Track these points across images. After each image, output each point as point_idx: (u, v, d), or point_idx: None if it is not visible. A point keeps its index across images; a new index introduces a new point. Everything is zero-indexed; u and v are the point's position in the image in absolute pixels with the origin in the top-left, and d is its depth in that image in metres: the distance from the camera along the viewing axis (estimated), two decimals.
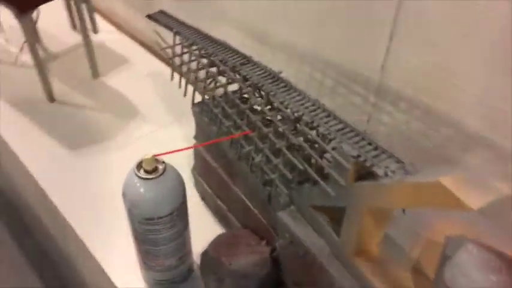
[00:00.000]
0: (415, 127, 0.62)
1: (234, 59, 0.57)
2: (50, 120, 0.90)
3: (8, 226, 1.25)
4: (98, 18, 1.16)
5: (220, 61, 0.57)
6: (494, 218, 0.48)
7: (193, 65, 0.62)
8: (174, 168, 0.53)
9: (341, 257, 0.46)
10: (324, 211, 0.48)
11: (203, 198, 0.72)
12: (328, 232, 0.47)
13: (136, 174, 0.51)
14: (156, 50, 1.05)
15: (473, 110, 0.54)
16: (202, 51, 0.61)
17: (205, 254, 0.59)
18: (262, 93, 0.52)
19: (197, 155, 0.68)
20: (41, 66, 0.88)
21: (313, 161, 0.47)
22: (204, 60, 0.60)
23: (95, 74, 1.00)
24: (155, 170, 0.51)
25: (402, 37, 0.57)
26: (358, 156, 0.40)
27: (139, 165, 0.51)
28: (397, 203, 0.37)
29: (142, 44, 1.12)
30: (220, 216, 0.68)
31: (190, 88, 0.65)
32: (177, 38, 0.65)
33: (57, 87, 0.96)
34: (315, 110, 0.47)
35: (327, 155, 0.45)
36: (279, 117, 0.50)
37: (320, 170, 0.46)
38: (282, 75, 0.53)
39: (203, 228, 0.67)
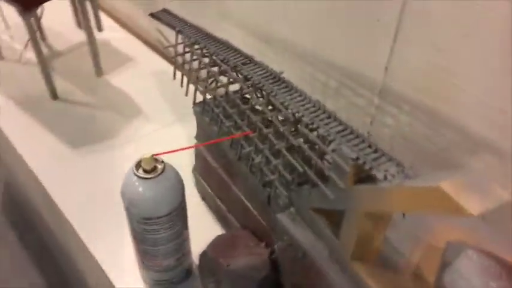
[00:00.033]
0: (418, 130, 0.61)
1: (235, 58, 0.56)
2: (53, 117, 0.90)
3: (11, 221, 1.25)
4: (103, 16, 1.16)
5: (222, 60, 0.57)
6: (496, 223, 0.47)
7: (195, 64, 0.62)
8: (173, 168, 0.53)
9: (340, 260, 0.45)
10: (323, 214, 0.48)
11: (204, 199, 0.72)
12: (327, 235, 0.46)
13: (135, 174, 0.50)
14: (160, 48, 1.05)
15: (478, 113, 0.53)
16: (204, 51, 0.60)
17: (203, 255, 0.59)
18: (263, 93, 0.52)
19: (198, 155, 0.67)
20: (44, 63, 0.88)
21: (313, 162, 0.46)
22: (206, 60, 0.60)
23: (99, 72, 1.00)
24: (154, 169, 0.51)
25: (406, 38, 0.57)
26: (358, 158, 0.39)
27: (138, 165, 0.51)
28: (396, 207, 0.36)
29: (147, 42, 1.12)
30: (220, 217, 0.68)
31: (192, 87, 0.64)
32: (180, 36, 0.65)
33: (61, 84, 0.96)
34: (315, 111, 0.46)
35: (328, 157, 0.44)
36: (279, 117, 0.50)
37: (320, 172, 0.45)
38: (283, 75, 0.53)
39: (203, 229, 0.66)
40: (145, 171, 0.50)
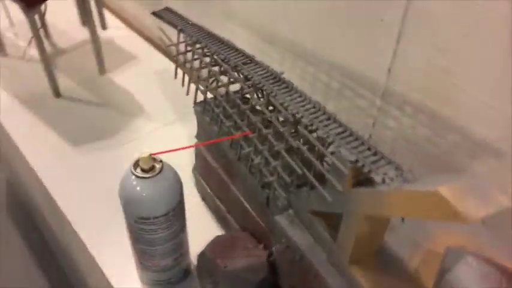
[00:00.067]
0: (421, 132, 0.60)
1: (236, 58, 0.56)
2: (55, 115, 0.90)
3: (14, 220, 1.25)
4: (109, 16, 1.16)
5: (223, 60, 0.56)
6: (497, 228, 0.46)
7: (196, 63, 0.61)
8: (172, 168, 0.53)
9: (337, 264, 0.45)
10: (322, 216, 0.47)
11: (204, 199, 0.71)
12: (325, 238, 0.46)
13: (132, 173, 0.50)
14: (163, 47, 1.05)
15: (481, 116, 0.52)
16: (205, 50, 0.60)
17: (201, 256, 0.58)
18: (264, 93, 0.51)
19: (198, 155, 0.67)
20: (47, 61, 0.88)
21: (312, 164, 0.46)
22: (207, 59, 0.60)
23: (102, 70, 1.00)
24: (152, 168, 0.50)
25: (410, 39, 0.56)
26: (356, 161, 0.38)
27: (136, 164, 0.50)
28: (394, 211, 0.35)
29: (151, 41, 1.12)
30: (219, 217, 0.67)
31: (193, 87, 0.64)
32: (181, 35, 0.64)
33: (64, 82, 0.96)
34: (315, 113, 0.46)
35: (327, 159, 0.44)
36: (279, 118, 0.49)
37: (319, 174, 0.45)
38: (284, 76, 0.52)
39: (203, 229, 0.66)
40: (143, 170, 0.50)
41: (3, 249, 1.17)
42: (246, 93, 0.54)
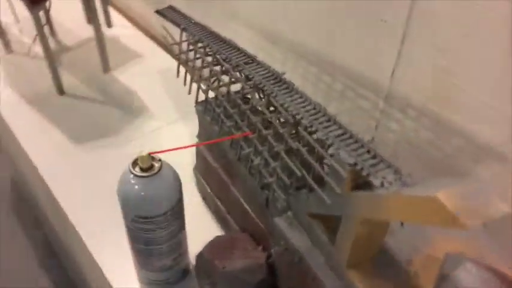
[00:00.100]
0: (424, 135, 0.59)
1: (237, 57, 0.55)
2: (58, 112, 0.90)
3: (18, 218, 1.26)
4: (113, 13, 1.16)
5: (224, 59, 0.56)
6: (498, 234, 0.46)
7: (198, 62, 0.61)
8: (171, 167, 0.52)
9: (335, 267, 0.44)
10: (321, 219, 0.47)
11: (204, 199, 0.71)
12: (324, 241, 0.45)
13: (131, 171, 0.50)
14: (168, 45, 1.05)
15: (485, 120, 0.52)
16: (207, 49, 0.59)
17: (200, 256, 0.58)
18: (265, 93, 0.51)
19: (198, 155, 0.67)
20: (51, 58, 0.88)
21: (312, 166, 0.45)
22: (209, 58, 0.59)
23: (106, 68, 1.00)
24: (151, 168, 0.50)
25: (414, 41, 0.55)
26: (355, 164, 0.38)
27: (134, 163, 0.50)
28: (392, 215, 0.35)
29: (156, 39, 1.12)
30: (219, 218, 0.67)
31: (195, 86, 0.64)
32: (184, 34, 0.64)
33: (68, 80, 0.96)
34: (315, 114, 0.45)
35: (327, 161, 0.43)
36: (279, 119, 0.49)
37: (318, 176, 0.44)
38: (285, 76, 0.52)
39: (202, 229, 0.66)
40: (141, 169, 0.50)
41: (7, 248, 1.17)
42: (247, 93, 0.53)
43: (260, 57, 0.57)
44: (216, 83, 0.58)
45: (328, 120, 0.44)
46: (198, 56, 0.61)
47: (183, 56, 0.64)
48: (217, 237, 0.59)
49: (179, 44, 0.64)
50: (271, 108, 0.50)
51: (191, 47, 0.62)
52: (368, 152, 0.39)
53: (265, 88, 0.50)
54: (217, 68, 0.57)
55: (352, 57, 0.65)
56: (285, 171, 0.49)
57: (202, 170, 0.67)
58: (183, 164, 0.70)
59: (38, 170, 0.79)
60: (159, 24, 1.00)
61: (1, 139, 1.08)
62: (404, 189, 0.34)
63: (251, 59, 0.55)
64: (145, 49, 1.09)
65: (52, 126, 0.87)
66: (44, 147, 0.83)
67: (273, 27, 0.76)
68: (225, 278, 0.53)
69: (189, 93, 0.65)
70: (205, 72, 0.60)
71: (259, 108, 0.51)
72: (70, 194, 0.74)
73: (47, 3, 0.93)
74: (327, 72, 0.69)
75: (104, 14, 1.04)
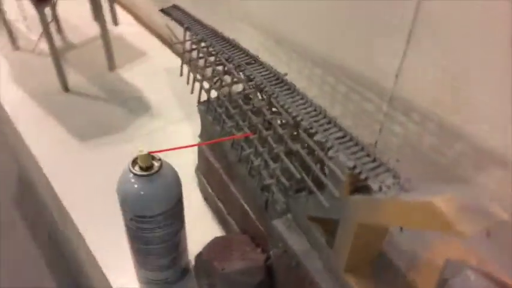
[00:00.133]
0: (427, 140, 0.59)
1: (240, 57, 0.55)
2: (62, 109, 0.90)
3: (23, 215, 1.26)
4: (120, 11, 1.16)
5: (227, 59, 0.56)
6: (501, 242, 0.45)
7: (201, 62, 0.61)
8: (171, 167, 0.52)
9: (333, 271, 0.44)
10: (320, 222, 0.46)
11: (205, 199, 0.71)
12: (322, 245, 0.45)
13: (130, 170, 0.49)
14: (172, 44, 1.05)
15: (489, 125, 0.51)
16: (210, 49, 0.59)
17: (199, 257, 0.57)
18: (265, 94, 0.50)
19: (200, 155, 0.66)
20: (56, 55, 0.88)
21: (311, 168, 0.45)
22: (212, 58, 0.59)
23: (112, 66, 1.00)
24: (151, 167, 0.50)
25: (418, 45, 0.55)
26: (354, 167, 0.37)
27: (134, 161, 0.50)
28: (390, 220, 0.34)
29: (162, 38, 1.12)
30: (220, 218, 0.67)
31: (197, 85, 0.63)
32: (188, 33, 0.64)
33: (73, 77, 0.96)
34: (316, 116, 0.45)
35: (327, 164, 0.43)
36: (279, 120, 0.48)
37: (318, 179, 0.44)
38: (287, 77, 0.51)
39: (203, 229, 0.65)
40: (141, 168, 0.49)
41: (11, 245, 1.17)
42: (249, 94, 0.53)
43: (265, 57, 0.56)
44: (218, 83, 0.58)
45: (329, 123, 0.44)
46: (200, 55, 0.60)
47: (186, 56, 0.64)
48: (217, 238, 0.58)
49: (182, 43, 0.64)
50: (274, 109, 0.50)
51: (194, 46, 0.62)
52: (368, 155, 0.39)
53: (266, 89, 0.49)
54: (220, 67, 0.57)
55: (357, 59, 0.64)
56: (285, 173, 0.48)
57: (204, 170, 0.67)
58: (186, 163, 0.70)
59: (40, 166, 0.79)
60: (165, 22, 1.00)
61: (7, 135, 1.08)
62: (402, 194, 0.34)
63: (253, 59, 0.55)
64: (151, 47, 1.09)
65: (56, 122, 0.87)
66: (47, 144, 0.83)
67: (279, 28, 0.76)
68: (224, 280, 0.53)
69: (192, 92, 0.64)
70: (208, 71, 0.60)
71: (261, 109, 0.51)
72: (72, 191, 0.74)
73: (53, 0, 0.93)
74: (332, 74, 0.69)
75: (111, 12, 1.05)
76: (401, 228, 0.40)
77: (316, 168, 0.43)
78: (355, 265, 0.42)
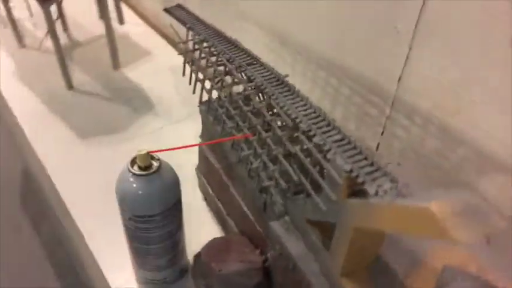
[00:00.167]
0: (430, 143, 0.58)
1: (241, 58, 0.55)
2: (66, 107, 0.91)
3: (28, 212, 1.26)
4: (127, 10, 1.17)
5: (228, 60, 0.56)
6: (502, 249, 0.44)
7: (203, 62, 0.60)
8: (170, 167, 0.52)
9: (329, 276, 0.43)
10: (318, 225, 0.46)
11: (206, 199, 0.70)
12: (319, 248, 0.44)
13: (129, 170, 0.49)
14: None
15: (492, 131, 0.50)
16: (212, 49, 0.59)
17: (197, 257, 0.57)
18: (265, 96, 0.50)
19: (201, 155, 0.66)
20: (61, 53, 0.89)
21: (310, 171, 0.44)
22: (213, 58, 0.59)
23: (116, 65, 1.00)
24: (149, 166, 0.50)
25: (421, 48, 0.54)
26: (351, 171, 0.37)
27: (133, 161, 0.50)
28: (385, 225, 0.34)
29: (167, 38, 1.12)
30: (220, 219, 0.66)
31: (199, 85, 0.63)
32: (190, 33, 0.64)
33: (78, 75, 0.97)
34: (315, 118, 0.44)
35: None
36: (279, 122, 0.48)
37: (316, 182, 0.43)
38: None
39: (203, 230, 0.65)
40: (140, 168, 0.49)
41: (16, 245, 1.18)
42: (249, 95, 0.53)
43: (270, 59, 0.56)
44: (219, 83, 0.58)
45: (328, 125, 0.43)
46: (202, 55, 0.60)
47: (188, 55, 0.64)
48: (215, 239, 0.58)
49: (185, 42, 0.64)
50: (275, 110, 0.50)
51: (196, 46, 0.62)
52: (365, 158, 0.38)
53: (266, 90, 0.49)
54: (221, 68, 0.57)
55: (360, 61, 0.64)
56: (283, 175, 0.48)
57: (204, 170, 0.67)
58: (188, 163, 0.70)
59: (43, 165, 0.79)
60: (169, 22, 1.00)
61: (12, 131, 1.08)
62: (399, 199, 0.33)
63: (255, 60, 0.55)
64: (156, 47, 1.09)
65: (59, 120, 0.87)
66: (50, 141, 0.83)
67: (284, 29, 0.76)
68: (220, 281, 0.53)
69: (194, 92, 0.64)
70: (209, 72, 0.60)
71: (261, 110, 0.51)
72: (74, 189, 0.74)
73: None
74: (335, 76, 0.69)
75: (116, 11, 1.05)
76: None
77: (314, 170, 0.42)
78: (351, 269, 0.41)
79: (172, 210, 0.52)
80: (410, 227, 0.31)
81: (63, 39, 0.92)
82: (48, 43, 1.02)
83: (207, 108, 0.62)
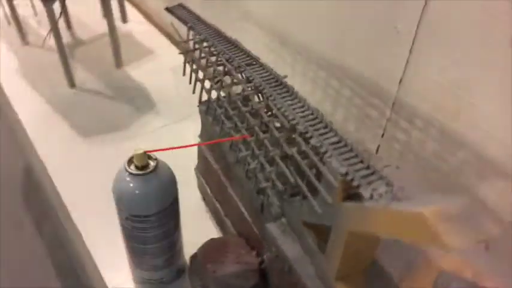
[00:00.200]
0: (430, 147, 0.58)
1: (240, 58, 0.55)
2: (68, 105, 0.91)
3: (30, 211, 1.27)
4: (130, 9, 1.17)
5: (227, 60, 0.55)
6: (500, 255, 0.44)
7: (203, 62, 0.60)
8: (167, 167, 0.52)
9: (325, 279, 0.43)
10: (315, 228, 0.45)
11: (204, 199, 0.70)
12: (314, 251, 0.44)
13: (126, 169, 0.49)
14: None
15: (492, 131, 0.50)
16: (212, 49, 0.59)
17: (194, 258, 0.57)
18: (263, 96, 0.50)
19: (200, 155, 0.66)
20: (63, 51, 0.89)
21: (306, 173, 0.44)
22: (213, 58, 0.58)
23: (119, 63, 1.00)
24: (146, 166, 0.49)
25: (423, 50, 0.54)
26: (347, 174, 0.37)
27: (130, 160, 0.50)
28: (379, 229, 0.34)
29: (170, 37, 1.12)
30: (218, 219, 0.66)
31: (199, 85, 0.63)
32: (191, 33, 0.64)
33: (80, 73, 0.97)
34: (312, 120, 0.44)
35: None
36: (277, 123, 0.48)
37: (313, 184, 0.43)
38: (286, 80, 0.51)
39: (201, 230, 0.65)
40: (137, 167, 0.49)
41: (18, 244, 1.18)
42: (247, 95, 0.53)
43: (270, 59, 0.56)
44: (218, 84, 0.58)
45: (325, 127, 0.43)
46: (202, 55, 0.60)
47: (188, 54, 0.64)
48: (212, 239, 0.58)
49: (185, 42, 0.64)
50: (273, 111, 0.49)
51: (197, 46, 0.62)
52: (361, 162, 0.38)
53: (265, 91, 0.49)
54: (221, 68, 0.57)
55: (360, 62, 0.63)
56: (280, 177, 0.48)
57: (203, 170, 0.67)
58: (187, 163, 0.69)
59: (44, 164, 0.79)
60: (172, 21, 1.00)
61: (13, 128, 1.09)
62: (393, 203, 0.33)
63: (254, 61, 0.54)
64: (159, 46, 1.09)
65: (61, 118, 0.88)
66: (52, 139, 0.84)
67: (284, 29, 0.75)
68: (216, 282, 0.52)
69: (193, 92, 0.64)
70: (209, 71, 0.60)
71: (259, 111, 0.51)
72: (74, 188, 0.74)
73: None
74: (336, 77, 0.68)
75: (120, 9, 1.05)
76: None
77: (310, 173, 0.42)
78: (346, 273, 0.41)
79: (169, 210, 0.52)
80: (403, 231, 0.31)
81: (66, 37, 0.92)
82: (52, 41, 1.03)
83: (206, 108, 0.62)
